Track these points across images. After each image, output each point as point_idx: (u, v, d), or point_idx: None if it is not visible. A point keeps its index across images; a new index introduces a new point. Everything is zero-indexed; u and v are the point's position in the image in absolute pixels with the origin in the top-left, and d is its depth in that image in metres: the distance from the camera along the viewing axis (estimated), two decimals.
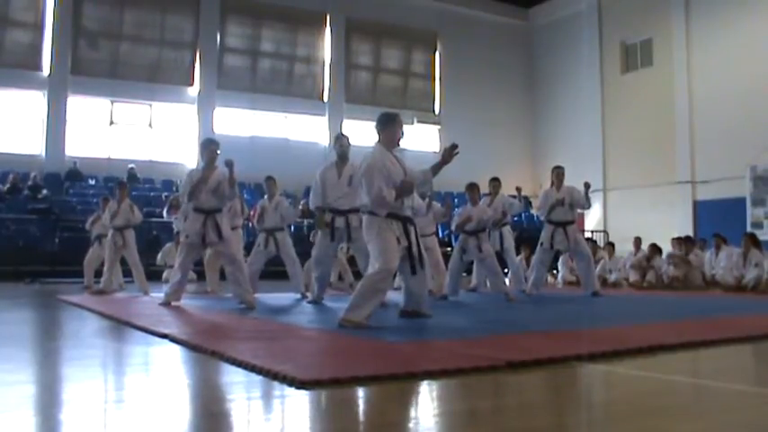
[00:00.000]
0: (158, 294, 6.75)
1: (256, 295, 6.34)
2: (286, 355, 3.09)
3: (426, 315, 4.74)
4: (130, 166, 15.04)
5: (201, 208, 6.00)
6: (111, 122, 15.78)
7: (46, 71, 15.08)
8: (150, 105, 16.02)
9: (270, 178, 7.73)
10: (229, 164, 5.82)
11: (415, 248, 4.44)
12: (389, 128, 4.50)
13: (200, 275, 9.49)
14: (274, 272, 9.99)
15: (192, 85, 16.37)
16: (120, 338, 4.01)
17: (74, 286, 9.47)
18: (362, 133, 17.30)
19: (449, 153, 4.45)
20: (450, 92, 19.41)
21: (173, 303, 6.00)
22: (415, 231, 4.49)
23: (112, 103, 15.72)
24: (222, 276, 7.16)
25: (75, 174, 14.77)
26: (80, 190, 14.25)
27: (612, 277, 10.91)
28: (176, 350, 3.42)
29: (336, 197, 6.29)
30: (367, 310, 4.19)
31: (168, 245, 10.77)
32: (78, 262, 9.53)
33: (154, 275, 10.14)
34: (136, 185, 14.23)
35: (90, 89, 15.33)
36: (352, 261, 8.75)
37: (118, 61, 15.78)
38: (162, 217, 10.14)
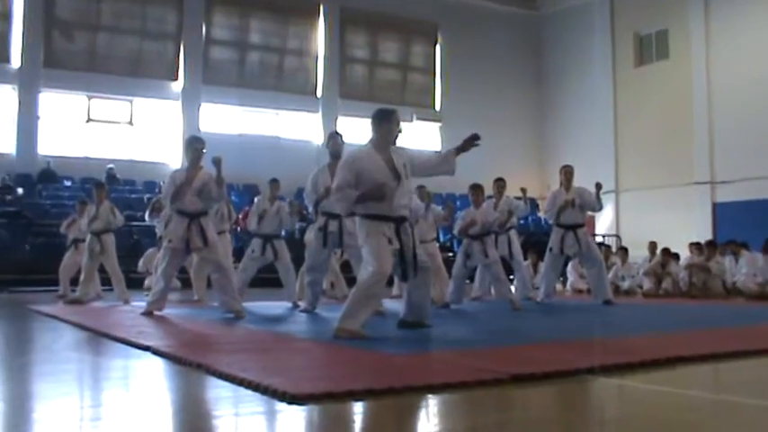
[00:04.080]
0: (139, 303, 6.74)
1: (245, 304, 6.33)
2: (277, 368, 3.09)
3: (426, 325, 4.74)
4: (109, 166, 15.00)
5: (186, 211, 5.99)
6: (89, 119, 15.74)
7: (16, 63, 15.03)
8: (131, 101, 16.01)
9: (274, 181, 7.75)
10: (217, 161, 5.81)
11: (409, 253, 4.43)
12: (385, 125, 4.50)
13: (185, 283, 9.46)
14: (264, 279, 9.97)
15: (175, 79, 16.36)
16: (97, 351, 4.00)
17: (47, 295, 9.45)
18: (358, 131, 17.34)
19: (469, 142, 4.51)
20: (452, 87, 19.43)
21: (155, 313, 5.98)
22: (411, 233, 4.49)
23: (89, 98, 15.69)
24: (209, 284, 7.15)
25: (49, 174, 14.72)
26: (54, 192, 14.20)
27: (626, 284, 10.92)
28: (159, 363, 3.41)
29: (330, 200, 6.29)
30: (362, 317, 4.19)
31: (150, 250, 10.74)
32: (52, 269, 9.50)
33: (134, 283, 10.10)
34: (115, 187, 14.19)
35: (65, 83, 15.28)
36: (346, 267, 8.74)
37: (95, 53, 15.75)
38: (143, 221, 10.11)
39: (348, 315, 4.19)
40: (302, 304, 6.83)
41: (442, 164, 4.65)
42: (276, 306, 7.33)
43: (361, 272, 4.40)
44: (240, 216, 8.06)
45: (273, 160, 15.87)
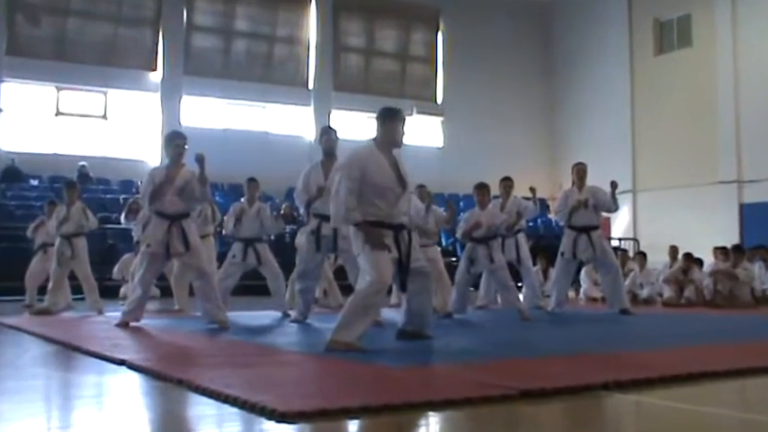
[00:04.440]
0: (114, 314, 6.73)
1: (230, 313, 6.33)
2: (265, 384, 3.09)
3: (427, 336, 4.74)
4: (81, 163, 14.97)
5: (166, 213, 5.99)
6: (58, 113, 15.71)
7: None
8: (104, 93, 15.99)
9: (252, 180, 7.74)
10: (200, 159, 5.81)
11: (405, 260, 4.44)
12: (389, 124, 4.53)
13: (165, 291, 9.45)
14: (251, 286, 9.96)
15: (154, 69, 16.36)
16: (67, 367, 3.99)
17: (12, 305, 9.40)
18: (353, 126, 17.35)
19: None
20: (455, 78, 19.45)
21: (131, 324, 5.98)
22: (410, 241, 4.49)
23: (58, 89, 15.65)
24: (191, 292, 7.14)
25: (14, 173, 14.66)
26: (20, 192, 14.15)
27: (644, 293, 10.93)
28: (135, 379, 3.41)
29: (323, 201, 6.29)
30: (359, 329, 4.20)
31: (126, 256, 10.74)
32: (18, 276, 9.47)
33: (109, 292, 10.10)
34: (88, 186, 14.15)
35: (30, 73, 15.22)
36: (340, 274, 8.73)
37: (64, 40, 15.68)
38: (119, 223, 10.10)
39: (343, 326, 4.19)
40: (293, 314, 6.83)
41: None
42: (264, 316, 7.33)
43: (359, 281, 4.40)
44: (225, 218, 8.06)
45: (261, 158, 15.86)
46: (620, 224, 18.33)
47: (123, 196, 13.76)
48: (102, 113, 16.04)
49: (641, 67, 18.58)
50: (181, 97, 16.44)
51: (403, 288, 4.52)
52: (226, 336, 5.34)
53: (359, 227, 4.36)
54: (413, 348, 4.41)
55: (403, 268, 4.45)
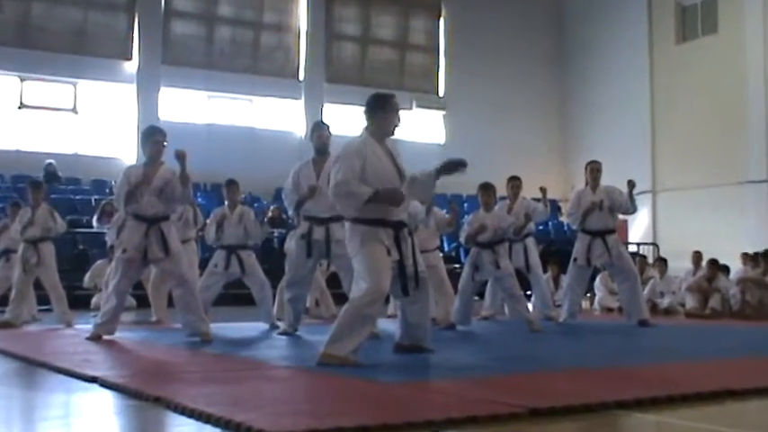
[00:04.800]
0: (85, 326, 6.72)
1: (213, 325, 6.33)
2: (251, 401, 3.09)
3: (427, 349, 4.75)
4: (48, 161, 14.91)
5: (143, 215, 5.99)
6: (21, 105, 15.63)
7: None
8: (74, 84, 15.96)
9: (232, 183, 7.72)
10: (180, 156, 5.81)
11: (409, 263, 4.44)
12: (381, 113, 4.56)
13: (142, 301, 9.44)
14: (236, 296, 9.95)
15: (128, 58, 16.34)
16: (32, 385, 3.98)
17: None
18: (347, 121, 17.33)
19: (452, 165, 4.44)
20: (459, 69, 19.48)
21: (104, 337, 5.97)
22: (412, 241, 4.50)
23: (22, 80, 15.59)
24: (170, 302, 7.14)
25: None
26: None
27: (665, 302, 10.94)
28: (109, 398, 3.40)
29: (314, 202, 6.30)
30: (353, 342, 4.20)
31: (99, 262, 10.73)
32: None
33: (79, 302, 10.08)
34: (56, 186, 14.12)
35: None
36: (333, 282, 8.73)
37: (28, 26, 15.58)
38: (91, 227, 10.10)
39: (336, 338, 4.20)
40: (281, 325, 6.83)
41: (423, 189, 4.60)
42: (250, 328, 7.34)
43: (353, 288, 4.40)
44: (207, 221, 8.06)
45: (247, 155, 15.87)
46: (638, 227, 18.36)
47: (95, 197, 13.76)
48: (72, 106, 16.01)
49: (662, 57, 18.58)
50: (159, 89, 16.43)
51: (405, 292, 4.48)
52: (208, 349, 5.33)
53: (356, 222, 4.35)
54: (412, 363, 4.42)
55: (403, 270, 4.42)
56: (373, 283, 4.22)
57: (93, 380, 3.75)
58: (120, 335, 6.17)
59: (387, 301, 6.73)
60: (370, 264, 4.27)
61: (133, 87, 16.28)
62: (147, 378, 3.89)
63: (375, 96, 4.66)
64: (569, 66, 20.76)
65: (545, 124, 20.41)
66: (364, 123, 4.61)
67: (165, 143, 6.09)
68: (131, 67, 16.35)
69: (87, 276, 10.85)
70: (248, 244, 7.69)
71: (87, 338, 5.94)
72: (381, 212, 4.38)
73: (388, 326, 6.12)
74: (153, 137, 6.09)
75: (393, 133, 4.62)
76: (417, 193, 4.67)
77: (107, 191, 13.98)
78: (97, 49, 15.99)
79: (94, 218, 9.05)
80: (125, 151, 15.78)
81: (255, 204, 11.01)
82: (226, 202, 7.72)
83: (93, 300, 10.28)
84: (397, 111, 4.62)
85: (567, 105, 20.70)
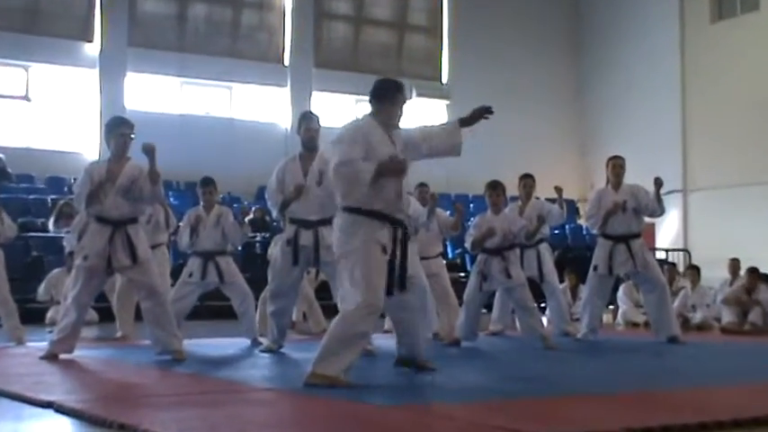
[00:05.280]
0: (40, 344, 6.71)
1: (186, 341, 6.33)
2: (229, 427, 3.09)
3: (428, 368, 4.76)
4: None
5: (107, 217, 5.99)
6: None
7: None
8: (26, 68, 15.87)
9: (208, 181, 7.70)
10: (149, 150, 5.81)
11: (398, 263, 4.46)
12: (390, 103, 4.67)
13: (105, 315, 9.43)
14: (213, 308, 9.94)
15: (89, 40, 16.27)
16: None
17: None
18: (338, 111, 17.34)
19: (479, 113, 4.76)
20: (464, 53, 19.48)
21: (62, 356, 5.96)
22: (404, 240, 4.53)
23: None
24: (138, 316, 7.14)
25: None
26: None
27: (698, 316, 10.95)
28: (66, 425, 3.40)
29: (301, 203, 6.31)
30: (344, 361, 4.21)
31: (56, 271, 10.70)
32: None
33: (33, 316, 10.04)
34: (5, 184, 14.07)
35: None
36: (322, 292, 8.73)
37: None
38: (47, 230, 10.09)
39: (325, 356, 4.21)
40: (264, 341, 6.83)
41: (444, 140, 4.75)
42: (229, 344, 7.33)
43: (345, 298, 4.40)
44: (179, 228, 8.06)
45: (226, 150, 15.84)
46: (667, 232, 18.38)
47: (52, 197, 13.71)
48: (24, 93, 15.94)
49: (695, 38, 18.49)
50: (124, 74, 16.37)
51: (388, 292, 4.45)
52: (181, 369, 5.34)
53: (354, 213, 4.42)
54: (411, 383, 4.43)
55: (393, 270, 4.43)
56: (369, 296, 4.24)
57: (47, 405, 3.74)
58: (80, 353, 6.15)
59: (382, 315, 6.73)
60: (365, 271, 4.29)
61: (95, 72, 16.23)
62: (110, 402, 3.89)
63: (386, 82, 4.77)
64: (588, 48, 20.76)
65: (561, 115, 20.41)
66: (368, 110, 4.70)
67: (133, 136, 6.09)
68: (93, 49, 16.29)
69: (42, 287, 10.81)
70: (227, 249, 7.68)
71: (42, 357, 5.92)
72: (383, 205, 4.43)
73: (385, 342, 6.13)
74: (118, 129, 6.09)
75: (397, 126, 4.71)
76: (439, 146, 4.75)
77: (65, 190, 13.95)
78: (53, 28, 15.88)
79: (51, 220, 9.04)
80: (86, 145, 15.74)
81: (235, 205, 10.99)
82: (201, 203, 7.72)
83: (49, 313, 10.24)
84: (405, 100, 4.74)
85: (586, 93, 20.70)
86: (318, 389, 4.07)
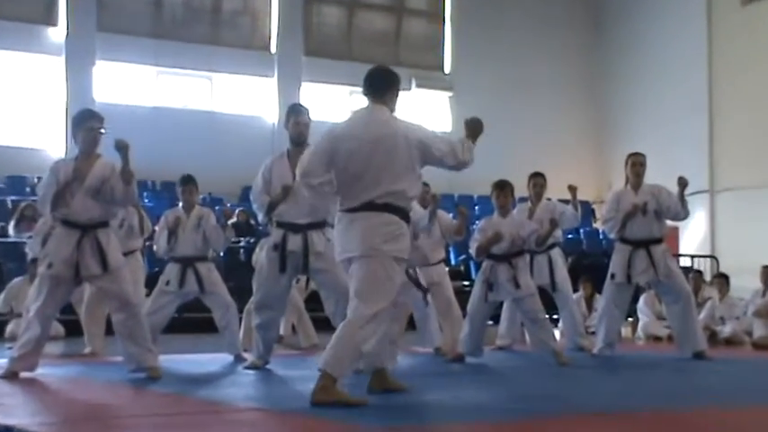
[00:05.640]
0: None
1: (163, 357, 6.33)
2: None
3: (394, 387, 4.84)
4: None
5: (75, 221, 5.98)
6: None
7: None
8: None
9: (188, 180, 7.69)
10: (122, 147, 5.81)
11: None
12: (392, 94, 4.86)
13: (73, 329, 9.42)
14: (192, 321, 9.93)
15: (54, 24, 16.27)
16: None
17: None
18: (330, 103, 17.35)
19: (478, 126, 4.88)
20: (469, 39, 19.49)
21: (23, 374, 5.95)
22: None
23: None
24: (109, 330, 7.13)
25: None
26: None
27: (726, 329, 10.95)
28: None
29: (289, 205, 6.31)
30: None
31: (17, 280, 10.68)
32: None
33: None
34: None
35: None
36: (313, 303, 8.74)
37: None
38: (6, 235, 10.08)
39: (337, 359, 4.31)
40: (249, 357, 6.83)
41: (455, 155, 4.81)
42: (209, 360, 7.33)
43: (352, 302, 4.50)
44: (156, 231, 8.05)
45: (206, 146, 15.84)
46: (692, 236, 18.37)
47: (12, 198, 13.68)
48: None
49: (724, 22, 18.42)
50: (93, 63, 16.34)
51: None
52: (157, 388, 5.33)
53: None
54: (409, 402, 4.43)
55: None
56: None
57: (6, 430, 3.73)
58: (44, 371, 6.13)
59: None
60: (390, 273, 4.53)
61: (60, 60, 16.19)
62: (77, 426, 3.88)
63: (388, 72, 4.96)
64: (606, 34, 20.76)
65: (575, 107, 20.42)
66: (374, 100, 4.80)
67: (103, 131, 6.07)
68: (57, 34, 16.26)
69: (1, 298, 10.80)
70: (208, 255, 7.67)
71: (1, 376, 5.90)
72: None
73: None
74: (86, 123, 6.07)
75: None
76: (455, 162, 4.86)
77: (27, 190, 13.94)
78: (12, 10, 15.76)
79: (11, 224, 9.02)
80: (51, 141, 15.73)
81: (217, 208, 10.98)
82: (180, 204, 7.71)
83: (9, 327, 10.23)
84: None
85: (604, 83, 20.69)
86: (310, 409, 4.07)
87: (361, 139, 4.60)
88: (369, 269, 4.48)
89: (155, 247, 7.85)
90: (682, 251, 17.47)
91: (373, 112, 4.75)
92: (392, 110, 4.82)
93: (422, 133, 4.74)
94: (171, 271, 7.47)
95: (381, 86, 4.84)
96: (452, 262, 14.36)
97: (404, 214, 4.61)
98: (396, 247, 4.52)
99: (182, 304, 7.74)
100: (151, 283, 8.35)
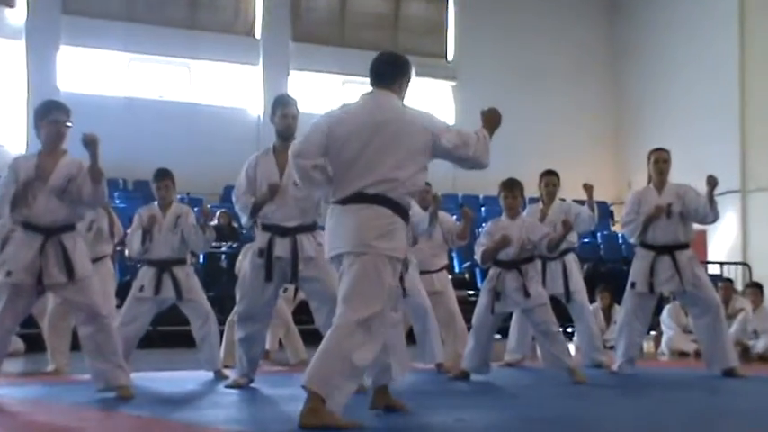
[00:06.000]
0: None
1: (135, 375, 6.31)
2: None
3: (396, 407, 4.80)
4: None
5: (37, 224, 5.96)
6: None
7: None
8: None
9: (164, 174, 7.66)
10: (90, 142, 5.78)
11: None
12: (405, 81, 4.99)
13: (34, 344, 9.40)
14: (168, 334, 9.92)
15: (12, 5, 16.18)
16: None
17: None
18: (321, 94, 17.33)
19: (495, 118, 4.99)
20: (474, 23, 19.50)
21: None
22: None
23: None
24: (75, 344, 7.10)
25: None
26: None
27: (760, 344, 10.96)
28: None
29: (277, 206, 6.30)
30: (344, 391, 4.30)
31: None
32: None
33: None
34: None
35: None
36: (302, 314, 8.73)
37: None
38: None
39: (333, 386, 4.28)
40: (231, 374, 6.81)
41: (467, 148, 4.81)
42: (187, 378, 7.33)
43: (341, 308, 4.48)
44: (127, 232, 8.04)
45: (185, 141, 15.82)
46: (721, 241, 18.39)
47: None
48: None
49: (759, 7, 18.53)
50: (57, 48, 16.28)
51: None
52: (128, 410, 5.32)
53: None
54: (409, 425, 4.42)
55: None
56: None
57: None
58: (1, 392, 6.12)
59: None
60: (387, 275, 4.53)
61: (20, 45, 16.12)
62: None
63: (395, 57, 5.13)
64: (627, 17, 20.78)
65: (593, 99, 20.44)
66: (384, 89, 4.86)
67: (69, 124, 6.05)
68: (16, 16, 16.19)
69: None
70: (186, 258, 7.64)
71: None
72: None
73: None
74: (50, 115, 6.05)
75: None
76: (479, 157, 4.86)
77: None
78: None
79: None
80: (10, 135, 15.70)
81: (196, 209, 10.97)
82: (156, 202, 7.69)
83: None
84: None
85: (623, 70, 20.71)
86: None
87: (362, 122, 4.63)
88: (358, 268, 4.46)
89: (126, 251, 7.81)
90: (710, 257, 17.52)
91: (378, 97, 4.78)
92: (401, 99, 4.87)
93: (431, 121, 4.76)
94: (145, 275, 7.46)
95: (389, 73, 4.88)
96: (456, 269, 14.38)
97: (399, 208, 4.57)
98: (390, 244, 4.48)
99: (157, 314, 7.70)
100: (123, 292, 8.34)
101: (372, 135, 4.57)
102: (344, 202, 4.58)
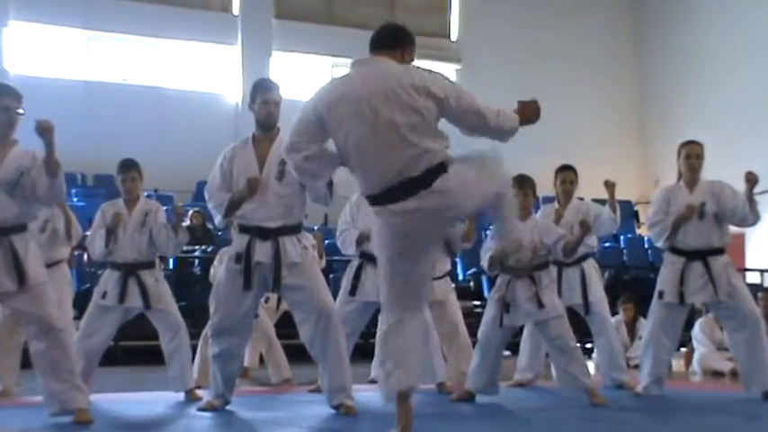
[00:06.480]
0: None
1: (95, 397, 6.31)
2: None
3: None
4: None
5: None
6: None
7: None
8: None
9: (129, 166, 7.64)
10: (45, 130, 5.78)
11: None
12: (408, 49, 5.12)
13: None
14: (133, 350, 9.92)
15: None
16: None
17: None
18: (307, 78, 17.34)
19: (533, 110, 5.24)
20: (481, 2, 19.57)
21: None
22: None
23: None
24: (26, 361, 7.10)
25: None
26: None
27: None
28: None
29: (257, 204, 6.30)
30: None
31: None
32: None
33: None
34: None
35: None
36: (286, 326, 8.73)
37: None
38: None
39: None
40: (204, 395, 6.82)
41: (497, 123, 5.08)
42: (154, 399, 7.31)
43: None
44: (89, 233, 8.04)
45: (152, 131, 15.88)
46: (761, 246, 18.45)
47: None
48: None
49: None
50: (5, 24, 16.32)
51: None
52: None
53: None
54: None
55: None
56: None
57: None
58: None
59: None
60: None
61: None
62: None
63: (397, 27, 5.21)
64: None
65: (616, 85, 20.51)
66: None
67: (20, 110, 6.06)
68: None
69: None
70: (155, 261, 7.62)
71: None
72: None
73: (369, 395, 6.13)
74: (0, 101, 6.06)
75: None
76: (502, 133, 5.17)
77: None
78: None
79: None
80: None
81: (166, 207, 10.99)
82: (121, 198, 7.66)
83: None
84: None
85: (648, 53, 20.78)
86: None
87: (361, 96, 4.66)
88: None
89: (89, 249, 7.75)
90: (748, 265, 17.60)
91: (374, 62, 4.83)
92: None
93: (436, 81, 4.90)
94: (109, 280, 7.41)
95: (388, 39, 4.95)
96: (460, 276, 14.41)
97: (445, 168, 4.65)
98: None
99: (119, 328, 7.68)
100: (81, 302, 8.34)
101: (379, 108, 4.61)
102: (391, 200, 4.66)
